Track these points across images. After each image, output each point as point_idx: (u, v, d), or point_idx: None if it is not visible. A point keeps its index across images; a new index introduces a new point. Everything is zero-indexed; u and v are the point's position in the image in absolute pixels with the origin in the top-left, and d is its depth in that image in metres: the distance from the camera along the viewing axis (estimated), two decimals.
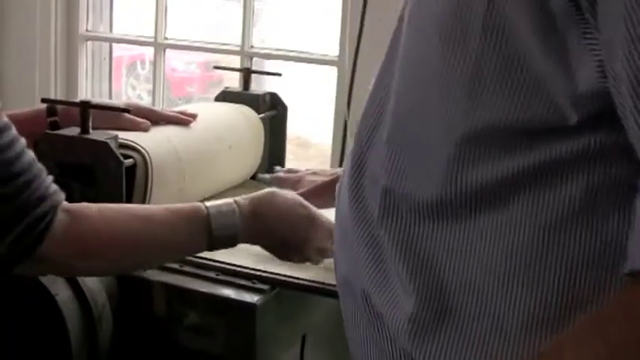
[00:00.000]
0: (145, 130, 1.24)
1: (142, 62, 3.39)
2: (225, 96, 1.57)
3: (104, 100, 2.20)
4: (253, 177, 1.52)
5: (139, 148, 1.16)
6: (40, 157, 1.16)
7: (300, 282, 1.08)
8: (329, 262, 1.14)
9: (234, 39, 2.08)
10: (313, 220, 1.08)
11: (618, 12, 0.52)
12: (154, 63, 2.12)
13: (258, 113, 1.52)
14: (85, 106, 1.14)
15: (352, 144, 0.76)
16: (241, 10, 1.98)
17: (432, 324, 0.62)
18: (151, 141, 1.20)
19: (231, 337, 1.05)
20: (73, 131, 1.15)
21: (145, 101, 4.52)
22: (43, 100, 1.24)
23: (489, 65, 0.58)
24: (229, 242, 1.02)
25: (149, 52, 3.13)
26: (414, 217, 0.63)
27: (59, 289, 1.02)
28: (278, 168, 1.42)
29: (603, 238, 0.58)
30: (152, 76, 2.14)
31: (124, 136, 1.16)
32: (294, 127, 1.64)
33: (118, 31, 2.28)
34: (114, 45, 2.33)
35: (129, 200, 1.14)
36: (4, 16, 2.19)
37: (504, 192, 0.59)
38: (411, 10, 0.67)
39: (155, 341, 1.09)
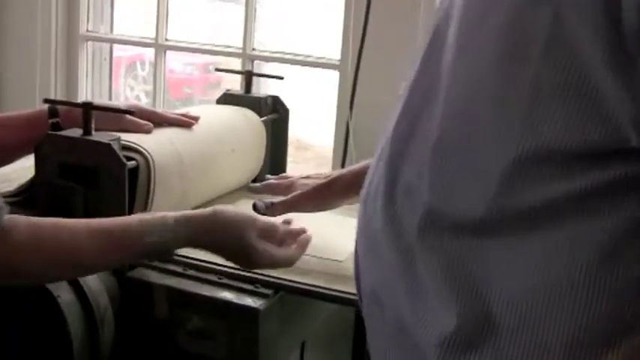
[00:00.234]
0: (148, 132, 1.24)
1: (142, 63, 3.38)
2: (227, 99, 1.56)
3: (104, 100, 2.19)
4: (254, 180, 1.51)
5: (142, 150, 1.15)
6: (42, 158, 1.16)
7: (304, 286, 1.08)
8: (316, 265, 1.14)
9: (233, 41, 2.08)
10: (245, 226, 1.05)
11: None
12: (155, 64, 2.11)
13: (260, 116, 1.52)
14: (88, 107, 1.14)
15: (380, 151, 0.73)
16: (241, 12, 1.98)
17: (473, 342, 0.60)
18: (154, 143, 1.19)
19: (234, 342, 1.04)
20: (76, 132, 1.15)
21: (143, 102, 4.52)
22: (46, 101, 1.23)
23: (549, 83, 0.56)
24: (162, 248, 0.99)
25: (148, 53, 3.12)
26: (459, 234, 0.61)
27: (61, 291, 1.01)
28: (269, 176, 1.41)
29: None
30: (152, 77, 2.14)
31: (126, 137, 1.16)
32: (292, 130, 1.63)
33: (117, 31, 2.27)
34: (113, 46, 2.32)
35: (131, 202, 1.14)
36: (4, 16, 2.18)
37: (556, 214, 0.57)
38: (460, 21, 0.63)
39: (157, 345, 1.08)
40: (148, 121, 1.26)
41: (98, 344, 1.03)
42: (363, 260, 0.75)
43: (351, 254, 1.20)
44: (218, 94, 1.60)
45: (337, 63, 1.81)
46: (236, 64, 2.55)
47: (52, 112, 1.24)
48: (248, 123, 1.47)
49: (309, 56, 1.93)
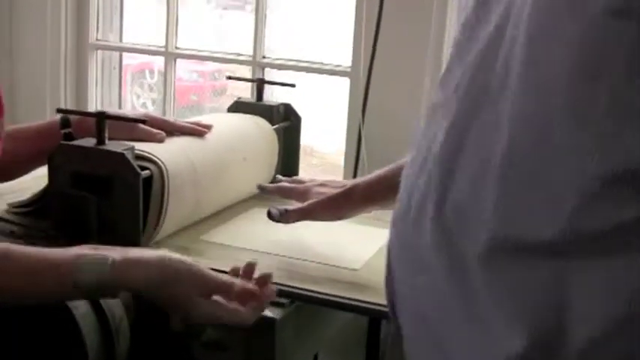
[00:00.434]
0: (160, 141, 1.23)
1: (150, 71, 3.38)
2: (238, 107, 1.56)
3: (114, 109, 2.19)
4: (258, 187, 1.50)
5: (156, 159, 1.15)
6: (55, 168, 1.16)
7: (320, 296, 1.07)
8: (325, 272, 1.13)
9: (238, 48, 2.07)
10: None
11: None
12: (165, 72, 2.11)
13: (272, 124, 1.51)
14: (102, 116, 1.14)
15: (414, 164, 0.71)
16: (245, 19, 1.98)
17: None
18: (167, 152, 1.19)
19: (250, 353, 1.04)
20: (89, 142, 1.14)
21: (150, 110, 4.52)
22: (59, 111, 1.23)
23: (631, 101, 0.53)
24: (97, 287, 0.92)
25: (156, 61, 3.12)
26: (528, 256, 0.58)
27: (77, 302, 1.00)
28: (280, 177, 1.39)
29: None
30: (162, 85, 2.13)
31: (139, 147, 1.15)
32: None
33: (125, 40, 2.27)
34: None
35: (145, 212, 1.13)
36: (14, 25, 2.18)
37: (633, 236, 0.55)
38: (528, 27, 0.59)
39: (172, 356, 1.08)
40: (161, 130, 1.25)
41: (114, 356, 1.02)
42: (404, 277, 0.73)
43: (366, 263, 1.19)
44: (224, 101, 1.60)
45: (348, 70, 1.80)
46: (242, 71, 2.55)
47: (65, 123, 1.24)
48: (260, 131, 1.47)
49: (319, 63, 1.92)
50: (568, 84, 0.55)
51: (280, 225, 1.20)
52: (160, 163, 1.14)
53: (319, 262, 1.18)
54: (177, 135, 1.28)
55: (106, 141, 1.13)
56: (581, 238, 0.56)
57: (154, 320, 1.08)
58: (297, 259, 1.19)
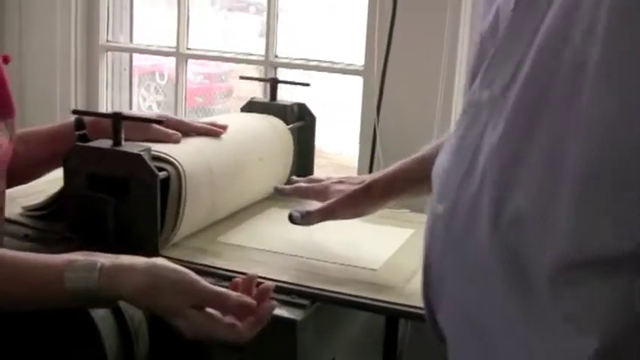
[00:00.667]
0: (176, 141, 1.22)
1: (160, 74, 3.38)
2: (252, 106, 1.54)
3: (126, 110, 2.18)
4: (275, 190, 1.49)
5: (172, 160, 1.14)
6: (71, 170, 1.15)
7: (341, 296, 1.06)
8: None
9: (245, 49, 2.07)
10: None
11: None
12: (176, 73, 2.10)
13: (286, 124, 1.50)
14: (118, 117, 1.13)
15: (453, 162, 0.69)
16: (251, 21, 1.97)
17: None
18: (184, 153, 1.18)
19: (270, 355, 1.02)
20: (105, 143, 1.13)
21: (156, 111, 4.53)
22: (75, 112, 1.22)
23: None
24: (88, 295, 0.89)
25: (165, 63, 3.10)
26: (606, 268, 0.56)
27: None
28: (295, 178, 1.38)
29: None
30: (174, 86, 2.12)
31: (156, 148, 1.14)
32: None
33: (135, 42, 2.26)
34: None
35: (163, 214, 1.12)
36: (23, 26, 2.17)
37: None
38: (606, 43, 0.56)
39: (192, 358, 1.07)
40: (176, 130, 1.24)
41: (133, 358, 1.01)
42: (451, 285, 0.71)
43: (385, 263, 1.18)
44: (230, 102, 1.59)
45: (361, 68, 1.79)
46: (249, 72, 2.54)
47: (79, 124, 1.23)
48: (275, 131, 1.46)
49: (331, 62, 1.91)
50: None
51: (296, 225, 1.19)
52: (177, 164, 1.13)
53: (338, 263, 1.17)
54: (193, 136, 1.27)
55: (123, 142, 1.12)
56: None
57: None
58: (316, 259, 1.17)
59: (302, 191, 1.28)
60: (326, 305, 1.07)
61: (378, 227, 1.33)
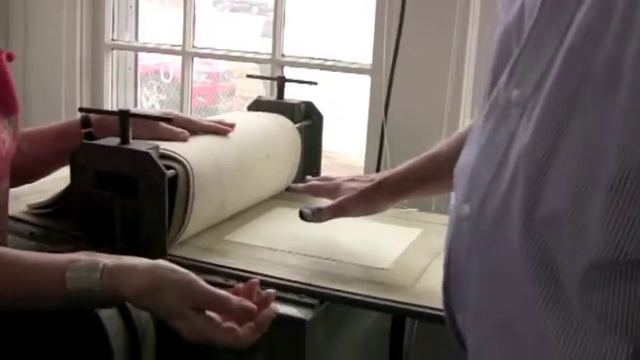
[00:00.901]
0: (184, 139, 1.21)
1: (165, 72, 3.38)
2: (259, 105, 1.53)
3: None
4: (288, 188, 1.48)
5: (181, 158, 1.13)
6: (78, 168, 1.14)
7: (350, 296, 1.05)
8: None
9: (250, 49, 2.06)
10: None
11: None
12: (182, 72, 2.09)
13: (294, 122, 1.49)
14: (125, 115, 1.12)
15: (493, 168, 0.67)
16: (254, 21, 1.96)
17: None
18: (192, 151, 1.17)
19: (278, 355, 1.01)
20: (113, 141, 1.12)
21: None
22: (81, 110, 1.21)
23: None
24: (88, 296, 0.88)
25: (170, 62, 3.09)
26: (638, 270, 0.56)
27: None
28: (310, 177, 1.37)
29: None
30: (180, 84, 2.12)
31: (163, 146, 1.14)
32: None
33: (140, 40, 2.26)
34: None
35: (170, 212, 1.11)
36: (29, 24, 2.17)
37: None
38: None
39: (199, 359, 1.06)
40: (184, 128, 1.23)
41: (140, 358, 1.00)
42: (477, 285, 0.70)
43: (394, 262, 1.17)
44: (233, 102, 1.58)
45: (369, 67, 1.78)
46: (254, 71, 2.53)
47: (85, 122, 1.22)
48: (282, 129, 1.45)
49: (339, 61, 1.90)
50: None
51: (304, 224, 1.18)
52: (185, 162, 1.12)
53: (346, 262, 1.16)
54: (201, 134, 1.26)
55: (130, 140, 1.11)
56: None
57: None
58: (324, 258, 1.17)
59: (314, 189, 1.27)
60: (335, 305, 1.06)
61: (386, 226, 1.32)
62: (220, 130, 1.28)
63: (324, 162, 1.60)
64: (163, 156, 1.12)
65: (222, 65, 4.40)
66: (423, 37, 1.66)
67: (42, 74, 2.17)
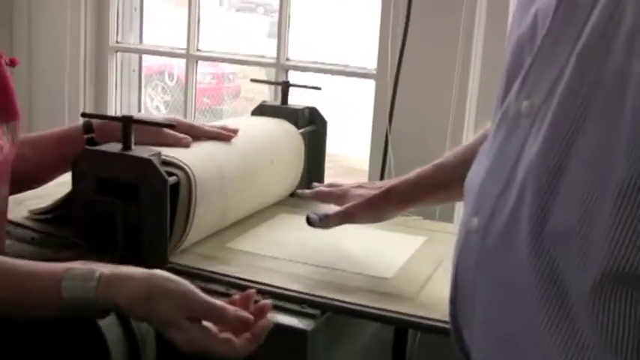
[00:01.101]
0: (187, 145, 1.21)
1: (170, 74, 3.38)
2: (263, 110, 1.53)
3: (133, 112, 2.17)
4: (292, 194, 1.48)
5: (183, 165, 1.12)
6: (80, 174, 1.13)
7: (352, 306, 1.04)
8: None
9: (253, 50, 2.05)
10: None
11: None
12: (186, 74, 2.08)
13: (297, 128, 1.48)
14: (128, 121, 1.11)
15: (502, 180, 0.66)
16: (260, 21, 1.96)
17: None
18: (194, 158, 1.16)
19: None
20: (115, 147, 1.12)
21: (163, 112, 4.54)
22: (84, 115, 1.21)
23: None
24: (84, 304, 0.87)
25: (174, 64, 3.08)
26: None
27: None
28: (317, 184, 1.37)
29: None
30: (184, 87, 2.11)
31: (166, 152, 1.13)
32: None
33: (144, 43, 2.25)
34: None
35: (172, 219, 1.10)
36: (33, 27, 2.16)
37: None
38: None
39: None
40: (187, 134, 1.23)
41: None
42: (483, 297, 0.69)
43: (397, 271, 1.16)
44: (237, 103, 1.57)
45: (374, 72, 1.77)
46: (257, 73, 2.52)
47: (87, 128, 1.21)
48: (286, 135, 1.44)
49: (344, 65, 1.89)
50: None
51: (308, 231, 1.17)
52: (187, 169, 1.12)
53: (349, 271, 1.15)
54: (204, 140, 1.25)
55: (132, 146, 1.10)
56: None
57: None
58: (326, 267, 1.16)
59: (322, 195, 1.27)
60: (336, 315, 1.05)
61: (390, 234, 1.31)
62: (223, 136, 1.28)
63: (327, 165, 1.59)
64: (165, 162, 1.11)
65: (227, 66, 4.41)
66: (428, 41, 1.66)
67: (46, 76, 2.17)
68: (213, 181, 1.17)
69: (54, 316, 0.90)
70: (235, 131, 1.29)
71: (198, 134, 1.25)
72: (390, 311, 1.03)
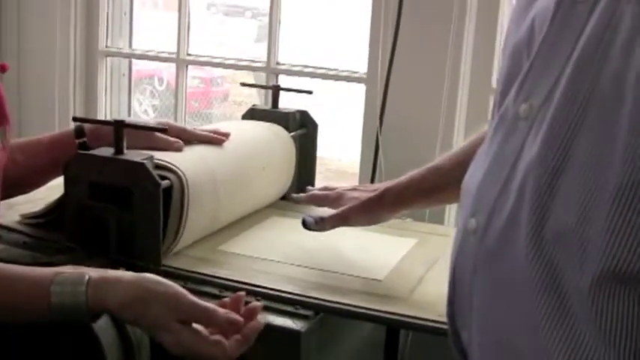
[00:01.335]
0: (178, 149, 1.21)
1: (160, 78, 3.37)
2: (253, 114, 1.53)
3: (123, 116, 2.17)
4: (283, 197, 1.48)
5: (175, 169, 1.13)
6: (72, 178, 1.13)
7: (345, 307, 1.04)
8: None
9: (241, 54, 2.05)
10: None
11: None
12: (177, 79, 2.09)
13: (289, 131, 1.48)
14: (120, 125, 1.11)
15: (500, 182, 0.67)
16: (247, 25, 1.96)
17: None
18: (187, 161, 1.16)
19: None
20: (107, 151, 1.12)
21: (151, 116, 4.53)
22: (75, 119, 1.21)
23: None
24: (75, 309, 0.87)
25: (163, 69, 3.08)
26: None
27: None
28: (311, 188, 1.37)
29: None
30: (174, 92, 2.11)
31: (158, 156, 1.13)
32: None
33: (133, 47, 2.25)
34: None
35: (165, 223, 1.11)
36: (22, 31, 2.16)
37: None
38: None
39: None
40: (178, 138, 1.23)
41: None
42: (481, 297, 0.70)
43: (389, 273, 1.17)
44: (226, 107, 1.58)
45: (364, 76, 1.78)
46: (247, 78, 2.52)
47: (79, 132, 1.21)
48: (277, 138, 1.45)
49: (334, 70, 1.90)
50: None
51: (299, 233, 1.18)
52: (179, 172, 1.12)
53: (341, 273, 1.15)
54: (195, 144, 1.25)
55: (125, 150, 1.11)
56: None
57: None
58: (318, 269, 1.16)
59: (317, 198, 1.27)
60: (330, 316, 1.06)
61: (381, 236, 1.32)
62: (215, 139, 1.28)
63: (317, 168, 1.60)
64: (158, 166, 1.11)
65: (215, 70, 4.41)
66: (418, 45, 1.67)
67: (36, 81, 2.17)
68: (205, 184, 1.18)
69: (44, 320, 0.90)
70: (227, 135, 1.30)
71: (190, 138, 1.26)
72: (383, 312, 1.04)
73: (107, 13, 2.16)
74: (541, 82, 0.65)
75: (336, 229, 1.19)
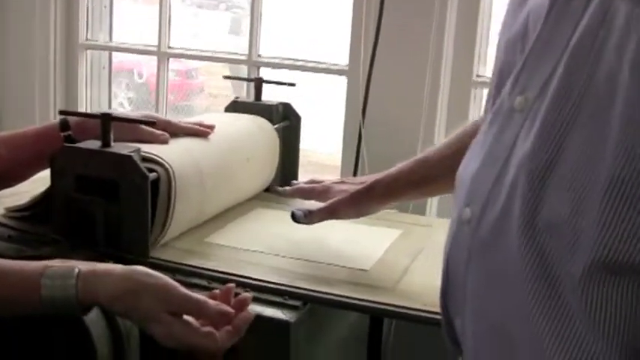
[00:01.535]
0: (164, 142, 1.21)
1: (139, 73, 3.35)
2: (236, 107, 1.54)
3: (104, 109, 2.16)
4: (267, 189, 1.49)
5: (162, 161, 1.13)
6: (58, 171, 1.13)
7: (333, 297, 1.05)
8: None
9: (215, 46, 2.05)
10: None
11: None
12: (157, 72, 2.08)
13: (272, 124, 1.49)
14: (107, 118, 1.12)
15: (493, 174, 0.68)
16: (222, 18, 1.96)
17: None
18: (173, 154, 1.17)
19: (263, 356, 1.02)
20: (94, 144, 1.12)
21: (127, 109, 4.51)
22: (62, 112, 1.21)
23: None
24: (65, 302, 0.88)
25: (143, 61, 3.06)
26: (634, 275, 0.57)
27: None
28: (296, 182, 1.38)
29: None
30: (155, 85, 2.11)
31: (145, 148, 1.13)
32: None
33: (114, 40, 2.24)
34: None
35: (153, 215, 1.11)
36: (1, 24, 2.14)
37: None
38: None
39: None
40: (164, 131, 1.23)
41: None
42: (475, 287, 0.71)
43: (375, 263, 1.18)
44: (201, 100, 1.58)
45: (346, 68, 1.79)
46: (223, 70, 2.51)
47: (64, 125, 1.21)
48: (261, 131, 1.45)
49: (315, 62, 1.90)
50: None
51: (284, 225, 1.19)
52: (166, 165, 1.13)
53: (327, 263, 1.17)
54: (181, 136, 1.26)
55: (112, 143, 1.11)
56: None
57: None
58: (305, 260, 1.17)
59: (304, 191, 1.27)
60: (319, 306, 1.07)
61: (366, 227, 1.33)
62: (200, 132, 1.29)
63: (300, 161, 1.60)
64: (145, 159, 1.12)
65: (190, 63, 4.39)
66: (400, 37, 1.68)
67: (16, 75, 2.15)
68: (192, 176, 1.18)
69: (34, 314, 0.90)
70: (212, 127, 1.30)
71: (176, 131, 1.26)
72: (370, 302, 1.05)
73: (87, 6, 2.15)
74: (535, 77, 0.65)
75: (343, 219, 1.20)
